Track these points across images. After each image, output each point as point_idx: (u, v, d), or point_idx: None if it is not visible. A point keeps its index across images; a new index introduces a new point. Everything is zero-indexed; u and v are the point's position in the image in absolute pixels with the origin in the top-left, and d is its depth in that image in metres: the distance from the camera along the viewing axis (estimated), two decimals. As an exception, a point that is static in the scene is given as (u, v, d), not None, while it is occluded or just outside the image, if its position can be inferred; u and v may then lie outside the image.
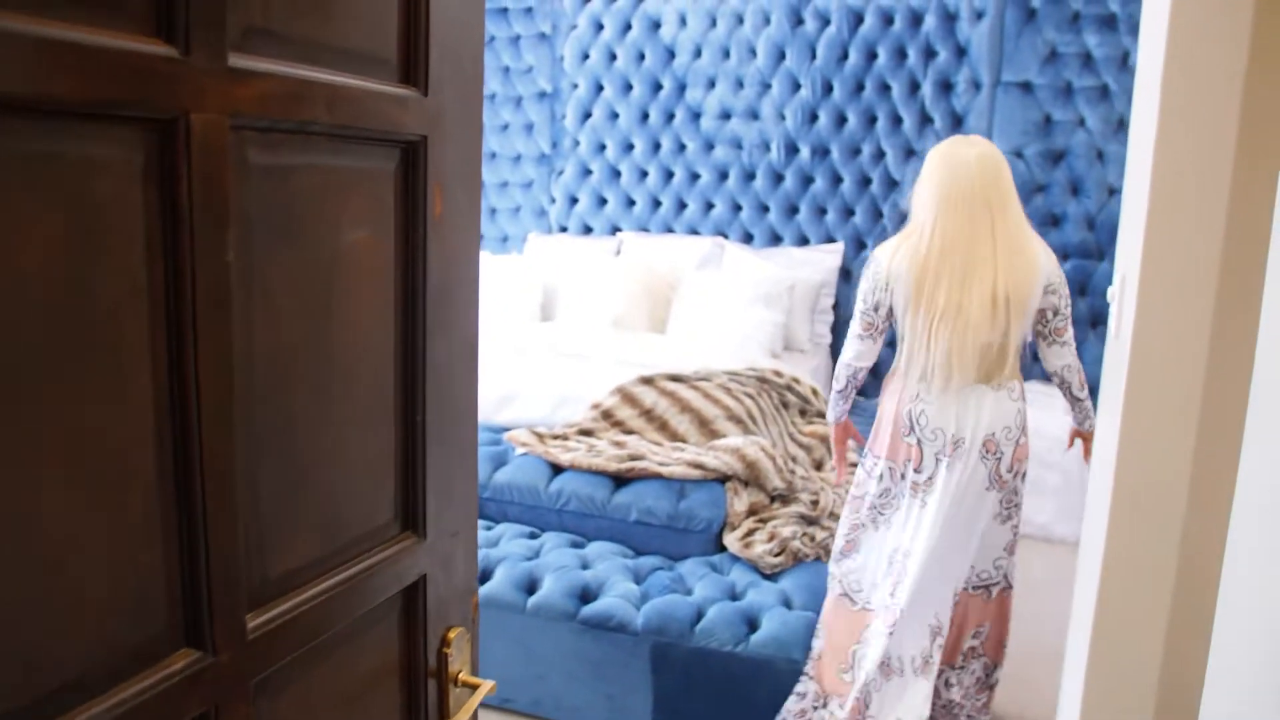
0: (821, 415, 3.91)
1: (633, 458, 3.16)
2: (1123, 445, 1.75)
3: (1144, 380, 1.71)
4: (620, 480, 3.14)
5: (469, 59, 1.04)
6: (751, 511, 3.05)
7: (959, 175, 2.46)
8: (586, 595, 2.71)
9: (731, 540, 2.92)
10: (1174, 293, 1.66)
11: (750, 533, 2.94)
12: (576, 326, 4.59)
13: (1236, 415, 1.70)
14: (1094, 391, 4.69)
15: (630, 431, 3.47)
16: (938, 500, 2.48)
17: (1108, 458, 1.82)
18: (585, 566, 2.86)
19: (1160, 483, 1.74)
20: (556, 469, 3.23)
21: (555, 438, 3.43)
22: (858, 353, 2.57)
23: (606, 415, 3.52)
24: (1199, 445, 1.71)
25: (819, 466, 3.64)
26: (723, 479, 3.09)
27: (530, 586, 2.77)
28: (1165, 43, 1.60)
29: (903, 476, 2.53)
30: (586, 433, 3.47)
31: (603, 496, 3.09)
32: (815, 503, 3.12)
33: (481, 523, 3.18)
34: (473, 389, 1.13)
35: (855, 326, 2.57)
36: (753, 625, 2.57)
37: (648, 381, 3.60)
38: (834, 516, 3.09)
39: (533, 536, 3.10)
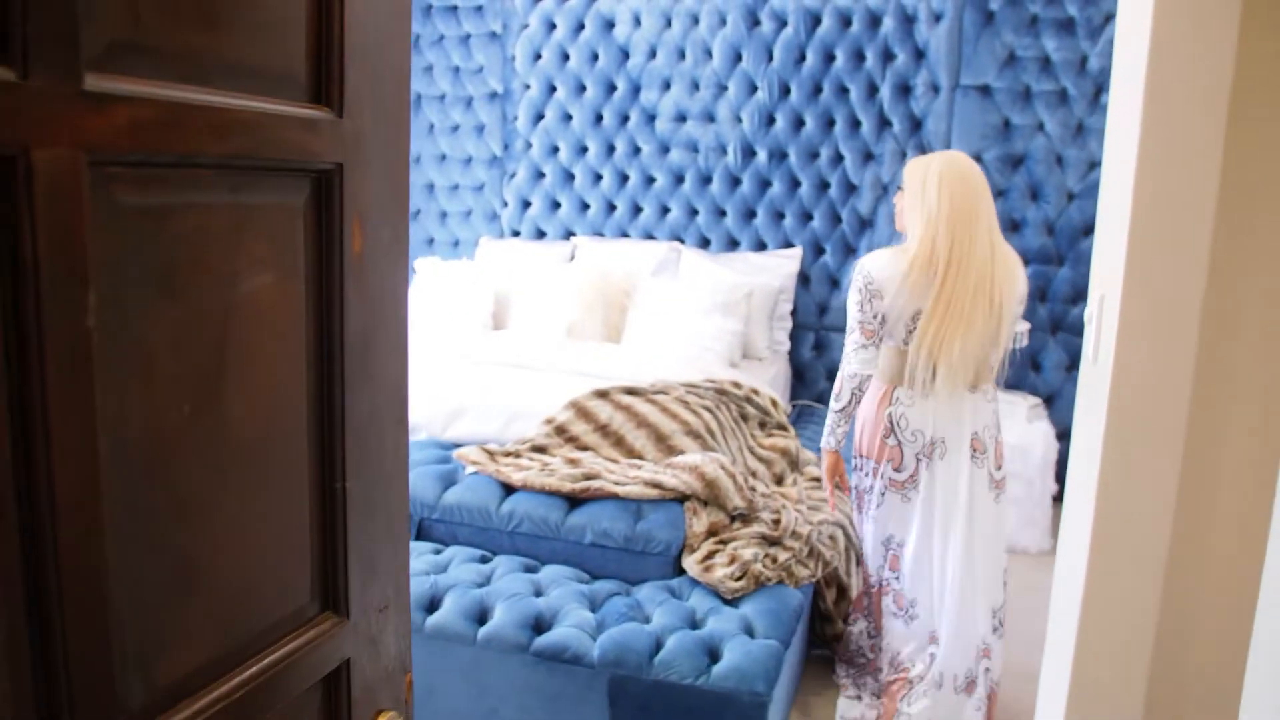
0: (781, 427, 3.82)
1: (587, 477, 3.04)
2: (1104, 472, 1.66)
3: (1127, 406, 1.62)
4: (575, 501, 3.02)
5: (392, 73, 0.92)
6: (711, 532, 2.94)
7: (968, 190, 2.54)
8: (540, 625, 2.59)
9: (691, 563, 2.81)
10: (1158, 314, 1.58)
11: (710, 555, 2.83)
12: (529, 336, 4.45)
13: (1223, 440, 1.62)
14: (1051, 401, 4.67)
15: (585, 448, 3.35)
16: (923, 499, 2.68)
17: (1088, 486, 1.74)
18: (538, 593, 2.74)
19: (1144, 512, 1.66)
20: (508, 489, 3.10)
21: (507, 455, 3.30)
22: (863, 361, 2.65)
23: (560, 431, 3.39)
24: (1184, 472, 1.63)
25: (779, 481, 3.54)
26: (681, 498, 2.98)
27: (481, 616, 2.63)
28: (1148, 50, 1.51)
29: (881, 475, 2.73)
30: (540, 449, 3.34)
31: (557, 518, 2.96)
32: (777, 521, 3.01)
33: (430, 546, 3.04)
34: (401, 444, 1.00)
35: (857, 337, 2.64)
36: (714, 656, 2.46)
37: (603, 395, 3.48)
38: (796, 535, 2.99)
39: (484, 560, 2.96)
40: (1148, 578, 1.67)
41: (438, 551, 3.01)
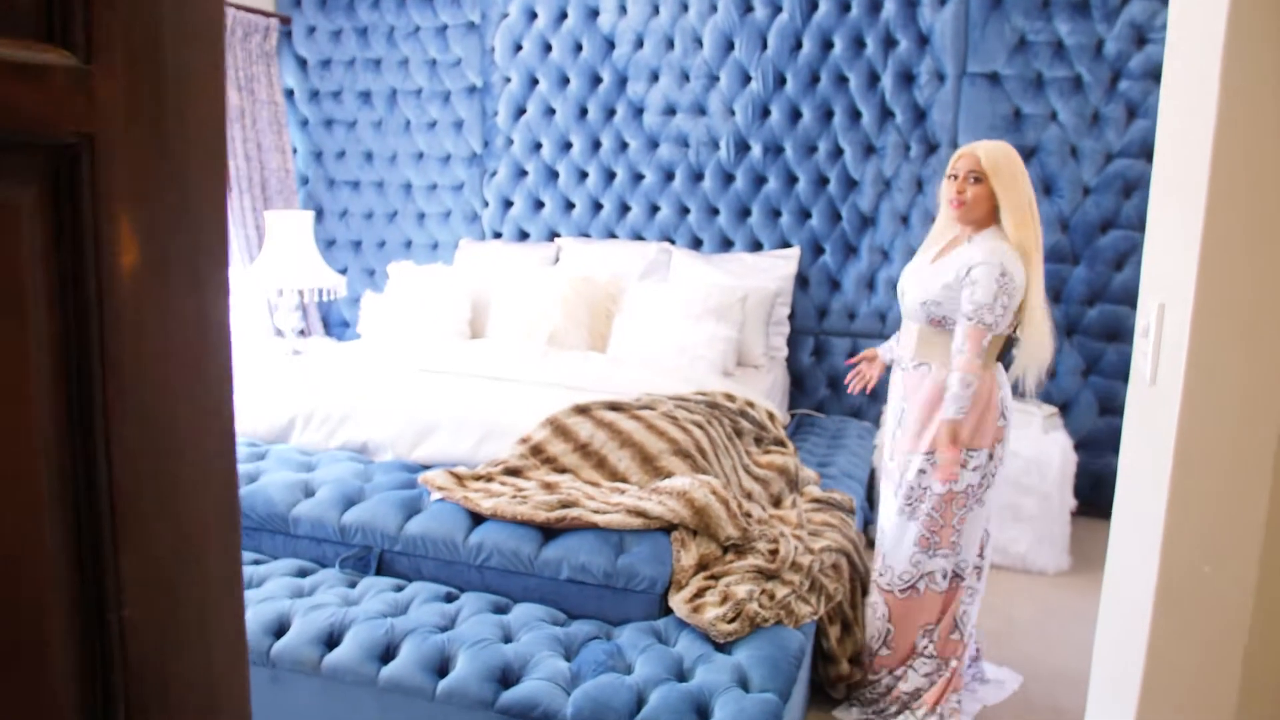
0: (779, 443, 3.52)
1: (564, 505, 2.74)
2: (1172, 517, 1.36)
3: (1201, 438, 1.32)
4: (550, 531, 2.72)
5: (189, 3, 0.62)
6: (701, 565, 2.65)
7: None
8: (507, 677, 2.29)
9: (678, 602, 2.51)
10: (1242, 325, 1.28)
11: (700, 593, 2.54)
12: (506, 346, 4.15)
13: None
14: (1066, 408, 4.37)
15: (563, 470, 3.05)
16: (1002, 469, 2.78)
17: (1147, 531, 1.44)
18: (507, 639, 2.44)
19: (1225, 565, 1.36)
20: (477, 518, 2.80)
21: (477, 479, 3.00)
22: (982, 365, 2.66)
23: (536, 451, 3.10)
24: (1273, 516, 1.33)
25: (777, 502, 3.25)
26: (668, 528, 2.69)
27: (442, 666, 2.34)
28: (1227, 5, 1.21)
29: (993, 457, 2.71)
30: (514, 471, 3.05)
31: (529, 551, 2.67)
32: (774, 552, 2.72)
33: (391, 582, 2.74)
34: (231, 547, 0.70)
35: (985, 342, 2.60)
36: (703, 714, 2.16)
37: (583, 411, 3.18)
38: (796, 567, 2.70)
39: (449, 599, 2.67)
40: (1228, 646, 1.37)
41: (399, 589, 2.72)
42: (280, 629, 2.49)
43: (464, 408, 3.36)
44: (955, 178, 2.70)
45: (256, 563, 2.90)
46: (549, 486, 2.92)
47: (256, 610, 2.54)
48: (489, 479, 3.00)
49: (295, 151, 5.58)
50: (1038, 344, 2.68)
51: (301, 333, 5.58)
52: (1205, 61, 1.26)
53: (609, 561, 2.60)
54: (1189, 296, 1.29)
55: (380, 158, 5.43)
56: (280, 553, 2.98)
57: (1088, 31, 4.20)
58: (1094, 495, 4.40)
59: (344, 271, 5.60)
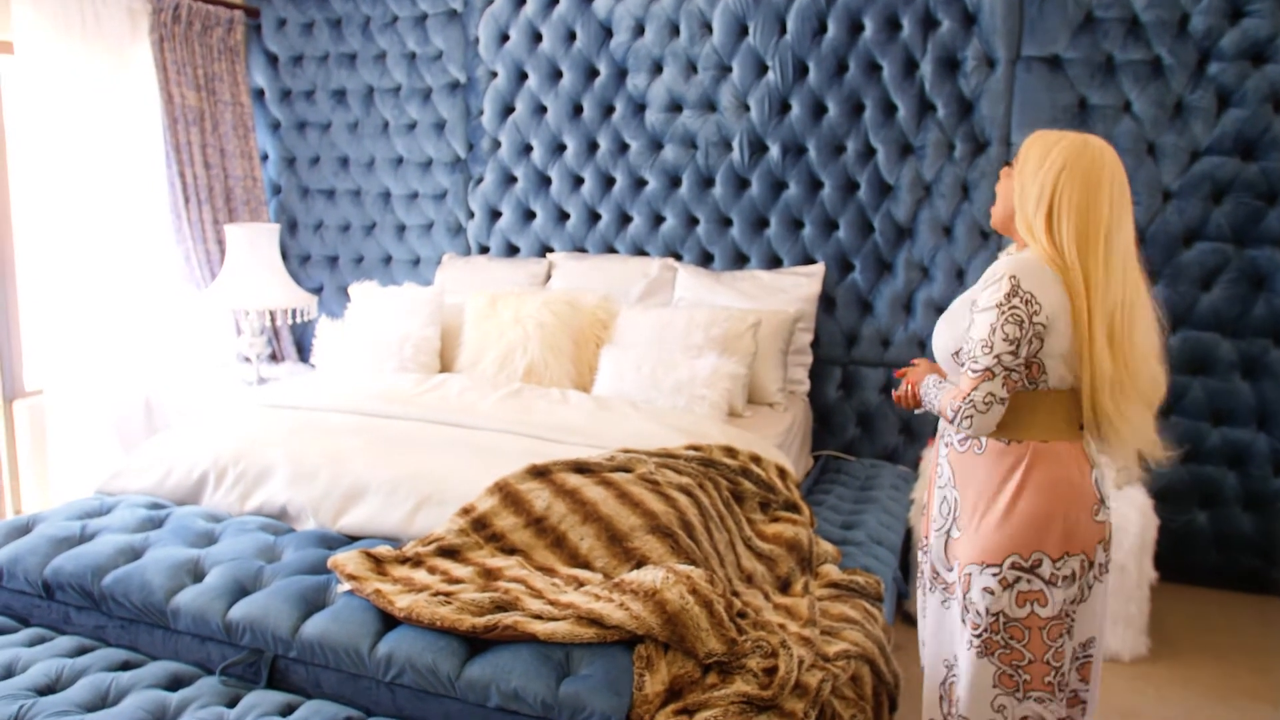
0: (792, 507, 2.87)
1: (498, 607, 2.12)
2: None
3: None
4: (480, 642, 2.10)
5: None
6: (673, 691, 2.01)
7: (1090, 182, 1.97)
8: None
9: (638, 750, 1.88)
10: None
11: (668, 734, 1.90)
12: (470, 384, 3.53)
13: None
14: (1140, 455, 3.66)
15: (513, 549, 2.43)
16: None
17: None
18: (407, 798, 1.83)
19: None
20: (391, 619, 2.19)
21: (403, 561, 2.39)
22: (993, 420, 1.96)
23: (480, 525, 2.48)
24: None
25: (786, 586, 2.60)
26: (631, 640, 2.05)
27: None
28: None
29: (1092, 564, 2.02)
30: (450, 551, 2.43)
31: (450, 668, 2.04)
32: (771, 670, 2.07)
33: (280, 699, 2.12)
34: None
35: (997, 387, 1.93)
36: None
37: (541, 475, 2.56)
38: (800, 690, 2.04)
39: (348, 728, 2.06)
40: None
41: (288, 710, 2.10)
42: (118, 775, 1.90)
43: (401, 465, 2.75)
44: None
45: (125, 666, 2.30)
46: (489, 575, 2.30)
47: (92, 747, 1.94)
48: (417, 562, 2.38)
49: (266, 158, 5.03)
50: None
51: (272, 357, 5.03)
52: None
53: (549, 687, 1.97)
54: None
55: (357, 164, 4.87)
56: (160, 650, 2.39)
57: (1169, 5, 3.52)
58: (1175, 559, 3.70)
59: (319, 290, 5.04)
